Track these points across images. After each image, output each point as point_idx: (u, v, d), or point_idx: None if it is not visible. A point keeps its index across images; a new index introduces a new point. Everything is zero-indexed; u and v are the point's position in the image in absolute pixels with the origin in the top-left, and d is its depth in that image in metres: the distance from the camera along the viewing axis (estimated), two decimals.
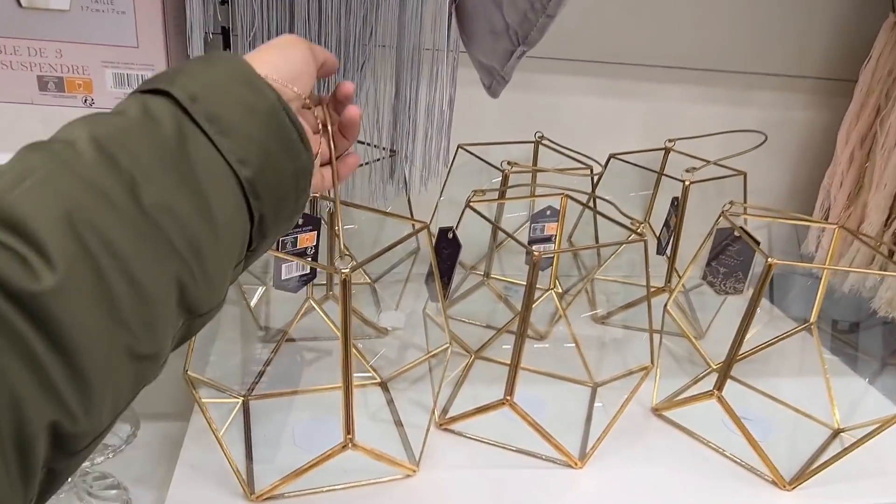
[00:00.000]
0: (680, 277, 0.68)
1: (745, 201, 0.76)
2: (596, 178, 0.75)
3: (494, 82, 0.54)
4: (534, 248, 0.67)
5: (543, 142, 0.81)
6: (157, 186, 0.28)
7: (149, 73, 0.56)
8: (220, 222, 0.30)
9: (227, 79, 0.33)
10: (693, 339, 0.71)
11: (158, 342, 0.28)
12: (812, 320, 0.68)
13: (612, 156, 0.81)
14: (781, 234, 0.91)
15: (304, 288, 0.62)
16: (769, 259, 0.52)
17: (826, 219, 0.86)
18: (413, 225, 0.51)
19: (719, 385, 0.55)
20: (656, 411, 0.65)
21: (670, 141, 0.84)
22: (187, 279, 0.28)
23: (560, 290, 0.80)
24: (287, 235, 0.55)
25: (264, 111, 0.33)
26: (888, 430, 0.55)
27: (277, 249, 0.56)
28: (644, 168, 0.81)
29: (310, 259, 0.57)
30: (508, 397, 0.52)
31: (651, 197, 0.88)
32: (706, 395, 0.56)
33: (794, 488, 0.56)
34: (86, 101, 0.56)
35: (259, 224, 0.33)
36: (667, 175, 0.82)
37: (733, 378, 0.71)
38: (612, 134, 0.88)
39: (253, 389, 0.62)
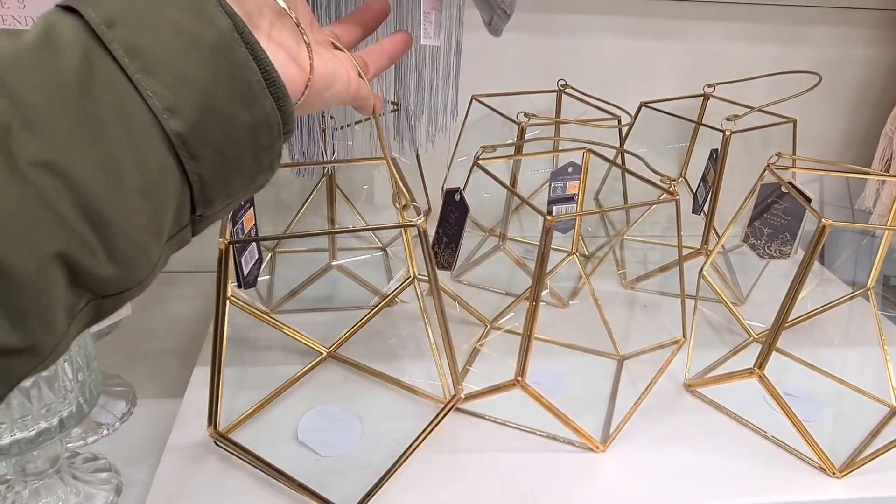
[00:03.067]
0: (718, 238, 0.61)
1: (793, 152, 0.68)
2: (625, 129, 0.68)
3: (495, 17, 0.47)
4: (553, 209, 0.61)
5: (567, 91, 0.73)
6: (41, 137, 0.22)
7: None
8: (135, 185, 0.24)
9: None
10: (732, 306, 0.64)
11: (32, 334, 0.22)
12: (870, 285, 0.61)
13: (643, 104, 0.73)
14: (835, 187, 0.83)
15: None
16: (823, 220, 0.45)
17: (887, 170, 0.77)
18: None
19: (761, 362, 0.49)
20: (689, 387, 0.59)
21: (709, 86, 0.76)
22: (81, 254, 0.23)
23: (586, 253, 0.74)
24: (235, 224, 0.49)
25: (209, 44, 0.25)
26: None
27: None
28: (679, 117, 0.73)
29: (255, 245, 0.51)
30: (520, 378, 0.47)
31: (687, 149, 0.80)
32: (745, 372, 0.50)
33: (844, 475, 0.50)
34: None
35: (202, 189, 0.27)
36: (705, 125, 0.73)
37: (777, 349, 0.64)
38: (644, 80, 0.79)
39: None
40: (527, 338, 0.46)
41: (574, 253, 0.65)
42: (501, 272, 0.74)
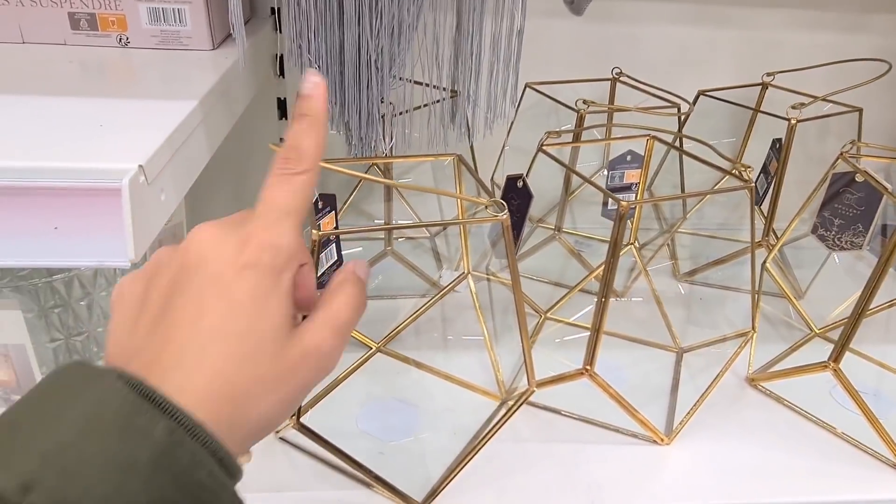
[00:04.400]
0: (776, 233, 0.59)
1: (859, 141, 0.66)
2: (683, 117, 0.66)
3: None
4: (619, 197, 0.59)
5: (622, 79, 0.72)
6: None
7: (186, 8, 0.50)
8: None
9: (88, 428, 0.21)
10: (794, 300, 0.62)
11: None
12: None
13: (701, 93, 0.71)
14: None
15: None
16: None
17: None
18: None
19: (836, 356, 0.47)
20: (752, 381, 0.57)
21: (768, 75, 0.74)
22: None
23: (639, 244, 0.72)
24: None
25: (146, 463, 0.20)
26: None
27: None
28: (739, 105, 0.71)
29: (333, 244, 0.50)
30: (588, 367, 0.46)
31: (743, 139, 0.78)
32: (819, 366, 0.49)
33: None
34: (120, 39, 0.51)
35: None
36: (765, 112, 0.72)
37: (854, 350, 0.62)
38: (701, 69, 0.77)
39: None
40: (596, 328, 0.45)
41: (632, 243, 0.64)
42: (552, 263, 0.73)
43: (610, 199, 0.52)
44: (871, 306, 0.58)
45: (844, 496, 0.48)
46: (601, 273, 0.46)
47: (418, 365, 0.57)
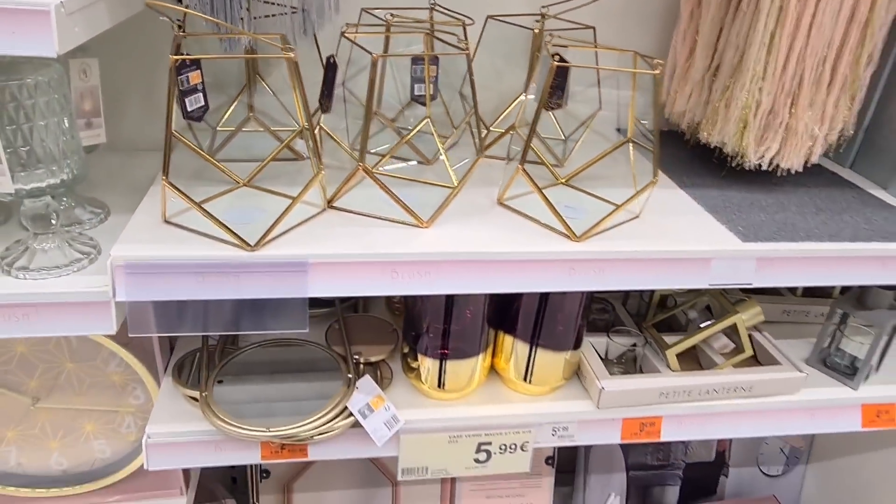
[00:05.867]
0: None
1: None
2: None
3: None
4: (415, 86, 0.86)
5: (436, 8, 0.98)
6: None
7: None
8: None
9: None
10: (541, 156, 0.90)
11: None
12: (629, 136, 0.87)
13: (489, 17, 0.98)
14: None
15: None
16: (553, 62, 0.71)
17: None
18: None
19: (522, 158, 0.75)
20: (500, 202, 0.85)
21: (544, 7, 1.01)
22: None
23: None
24: (181, 75, 0.73)
25: None
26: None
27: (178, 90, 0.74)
28: (516, 25, 0.99)
29: (201, 94, 0.74)
30: (363, 164, 0.72)
31: (530, 62, 1.06)
32: (517, 170, 0.76)
33: (581, 240, 0.77)
34: None
35: None
36: (518, 25, 0.99)
37: (572, 186, 0.91)
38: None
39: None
40: (367, 127, 0.72)
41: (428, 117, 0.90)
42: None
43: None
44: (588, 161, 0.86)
45: (542, 248, 0.75)
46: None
47: (266, 189, 0.83)
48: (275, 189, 0.83)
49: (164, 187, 0.71)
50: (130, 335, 0.70)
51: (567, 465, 1.35)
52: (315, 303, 1.02)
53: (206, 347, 0.89)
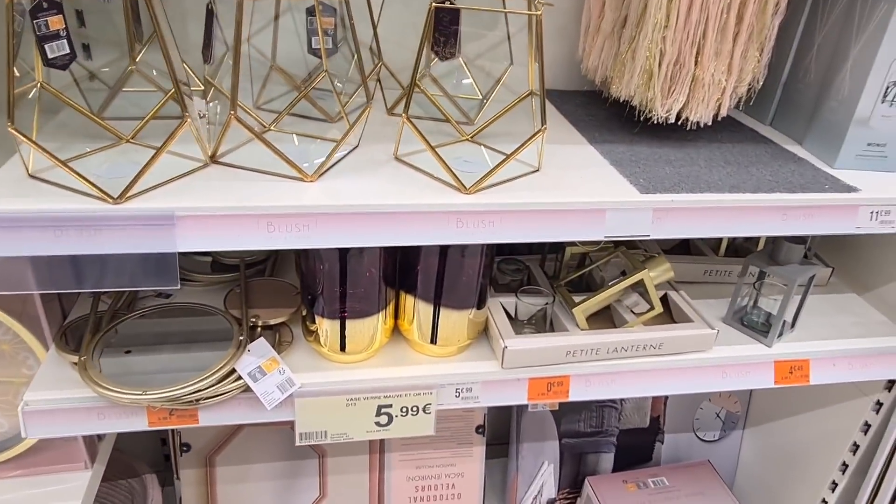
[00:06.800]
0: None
1: None
2: None
3: None
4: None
5: None
6: None
7: None
8: None
9: None
10: (448, 115, 0.87)
11: None
12: (531, 90, 0.84)
13: None
14: None
15: None
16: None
17: None
18: None
19: (405, 107, 0.73)
20: (396, 158, 0.82)
21: None
22: None
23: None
24: (38, 19, 0.69)
25: None
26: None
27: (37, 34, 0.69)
28: None
29: (65, 41, 0.70)
30: (233, 112, 0.69)
31: None
32: (402, 120, 0.74)
33: (471, 192, 0.74)
34: None
35: None
36: None
37: (476, 142, 0.88)
38: None
39: None
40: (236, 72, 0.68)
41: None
42: None
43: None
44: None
45: (428, 200, 0.72)
46: None
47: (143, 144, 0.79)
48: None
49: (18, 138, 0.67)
50: None
51: (500, 435, 1.34)
52: (220, 268, 0.99)
53: (95, 312, 0.86)
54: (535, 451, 1.28)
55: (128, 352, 0.81)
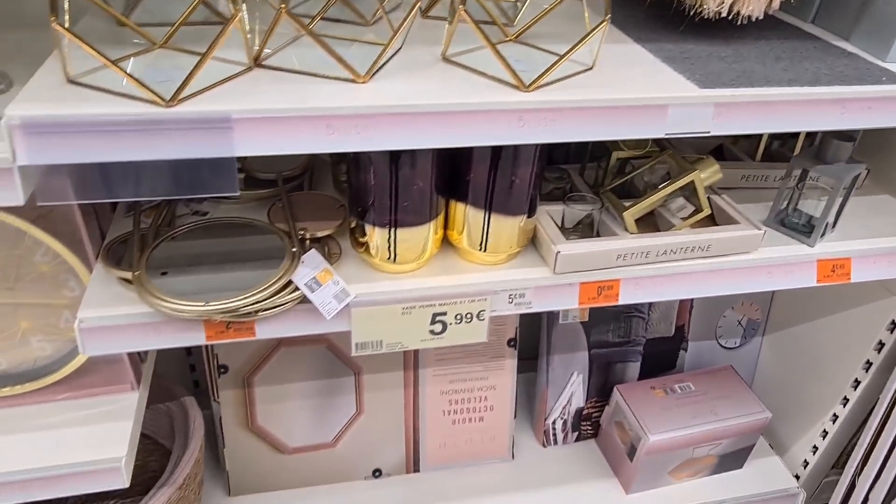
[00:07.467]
0: None
1: None
2: None
3: None
4: None
5: None
6: None
7: None
8: None
9: None
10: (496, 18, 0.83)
11: None
12: None
13: None
14: None
15: None
16: None
17: None
18: None
19: (462, 1, 0.69)
20: (444, 58, 0.79)
21: None
22: None
23: None
24: None
25: None
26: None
27: None
28: None
29: None
30: (284, 6, 0.65)
31: None
32: (457, 14, 0.70)
33: (530, 90, 0.71)
34: None
35: None
36: None
37: (522, 42, 0.85)
38: None
39: None
40: None
41: None
42: None
43: None
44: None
45: (490, 98, 0.70)
46: None
47: (185, 50, 0.75)
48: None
49: (61, 37, 0.63)
50: (39, 203, 0.64)
51: (529, 349, 1.36)
52: (255, 184, 0.96)
53: (138, 227, 0.83)
54: (565, 363, 1.30)
55: (176, 268, 0.80)
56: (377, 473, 1.28)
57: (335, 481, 1.27)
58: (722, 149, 1.14)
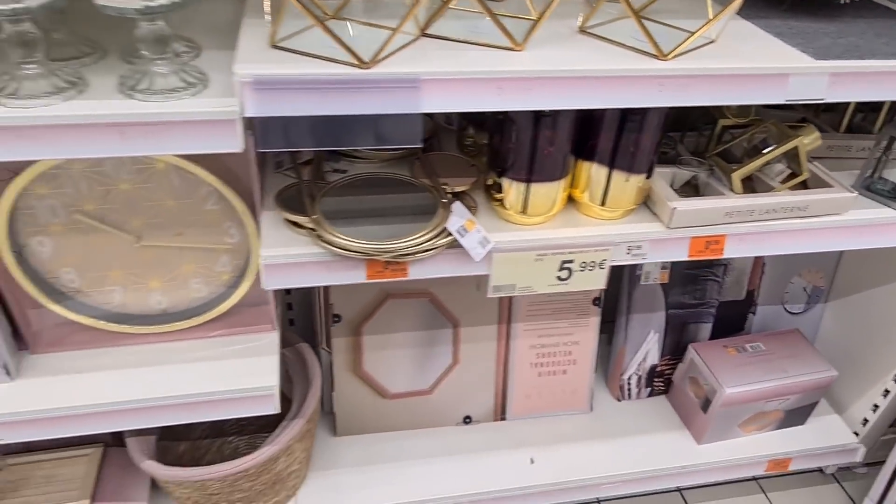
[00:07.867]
0: None
1: None
2: None
3: None
4: None
5: None
6: None
7: None
8: None
9: None
10: None
11: None
12: None
13: None
14: None
15: None
16: None
17: None
18: None
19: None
20: (581, 30, 0.88)
21: None
22: None
23: None
24: None
25: None
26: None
27: None
28: None
29: None
30: None
31: None
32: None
33: (668, 59, 0.80)
34: None
35: None
36: None
37: (647, 18, 0.93)
38: None
39: None
40: None
41: None
42: None
43: None
44: None
45: (631, 66, 0.79)
46: None
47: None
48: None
49: (276, 7, 0.72)
50: (260, 150, 0.74)
51: (607, 310, 1.46)
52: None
53: (303, 179, 0.93)
54: (644, 322, 1.40)
55: (340, 213, 0.90)
56: (468, 420, 1.39)
57: (429, 426, 1.38)
58: (804, 122, 1.23)
